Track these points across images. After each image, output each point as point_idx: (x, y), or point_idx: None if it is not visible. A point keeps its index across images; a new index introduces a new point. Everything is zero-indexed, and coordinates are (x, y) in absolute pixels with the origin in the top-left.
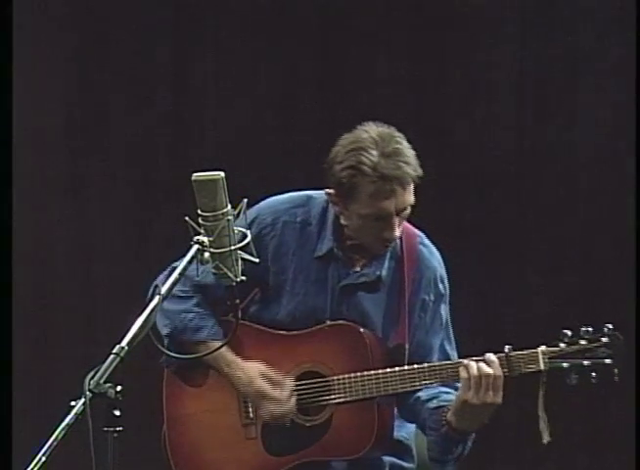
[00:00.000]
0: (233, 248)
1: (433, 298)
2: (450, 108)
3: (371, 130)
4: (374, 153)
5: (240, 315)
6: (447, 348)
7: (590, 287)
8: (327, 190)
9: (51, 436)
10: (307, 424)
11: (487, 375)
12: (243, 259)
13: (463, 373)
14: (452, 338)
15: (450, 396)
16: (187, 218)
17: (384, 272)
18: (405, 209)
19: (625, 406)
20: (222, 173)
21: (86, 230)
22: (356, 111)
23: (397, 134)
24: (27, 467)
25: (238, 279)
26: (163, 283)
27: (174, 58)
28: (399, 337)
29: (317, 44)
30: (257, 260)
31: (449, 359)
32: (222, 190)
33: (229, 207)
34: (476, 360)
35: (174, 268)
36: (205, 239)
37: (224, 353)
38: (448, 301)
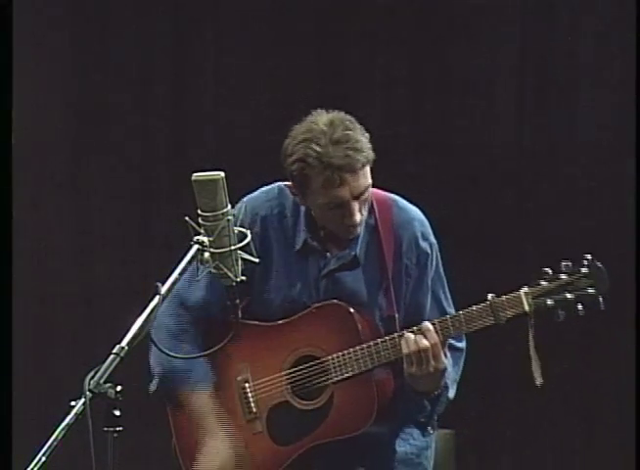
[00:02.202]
0: (233, 248)
1: (415, 260)
2: (450, 108)
3: (320, 119)
4: (321, 142)
5: (240, 316)
6: (444, 304)
7: None
8: (286, 183)
9: (51, 436)
10: (310, 408)
11: (425, 349)
12: (243, 259)
13: (404, 348)
14: (448, 293)
15: None
16: (187, 218)
17: (358, 250)
18: (363, 193)
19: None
20: (222, 173)
21: (86, 230)
22: (356, 110)
23: (348, 119)
24: (27, 467)
25: (238, 279)
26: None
27: (174, 57)
28: (389, 309)
29: (317, 44)
30: (257, 260)
31: (445, 313)
32: (222, 190)
33: (229, 207)
34: (413, 332)
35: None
36: (205, 239)
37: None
38: (438, 256)
